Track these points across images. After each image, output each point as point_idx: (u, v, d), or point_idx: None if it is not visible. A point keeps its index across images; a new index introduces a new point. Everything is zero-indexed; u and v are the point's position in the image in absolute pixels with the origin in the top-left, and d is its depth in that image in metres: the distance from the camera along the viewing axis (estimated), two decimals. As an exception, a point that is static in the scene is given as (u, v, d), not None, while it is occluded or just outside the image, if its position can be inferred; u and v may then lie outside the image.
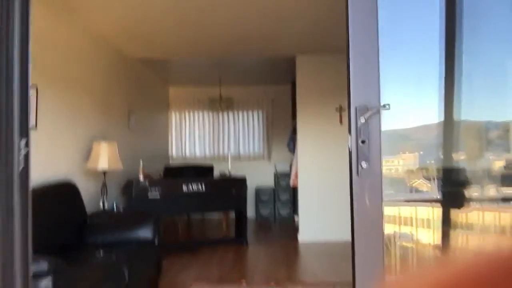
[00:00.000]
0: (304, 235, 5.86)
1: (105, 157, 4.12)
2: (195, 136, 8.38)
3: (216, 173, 6.64)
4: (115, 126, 5.41)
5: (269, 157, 8.34)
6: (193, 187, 5.17)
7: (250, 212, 8.03)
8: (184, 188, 5.12)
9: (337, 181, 5.84)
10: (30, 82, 1.92)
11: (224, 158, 8.16)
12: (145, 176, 5.03)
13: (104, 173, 4.28)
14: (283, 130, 8.29)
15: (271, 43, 5.36)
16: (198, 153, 8.38)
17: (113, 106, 5.33)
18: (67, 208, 3.49)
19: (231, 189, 5.43)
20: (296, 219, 7.71)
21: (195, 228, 6.73)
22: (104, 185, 4.29)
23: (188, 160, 8.32)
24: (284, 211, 8.02)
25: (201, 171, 5.43)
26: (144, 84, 6.91)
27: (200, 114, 8.38)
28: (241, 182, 5.55)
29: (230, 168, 8.09)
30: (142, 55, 5.94)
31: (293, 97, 8.03)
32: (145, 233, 3.53)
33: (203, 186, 5.22)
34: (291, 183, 6.37)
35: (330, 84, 5.94)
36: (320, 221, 5.86)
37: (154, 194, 4.95)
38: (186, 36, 5.07)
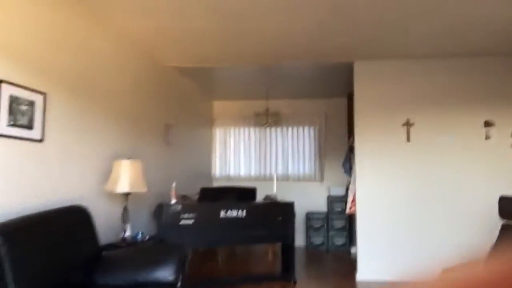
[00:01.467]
0: (364, 273, 4.93)
1: (126, 177, 3.49)
2: (240, 154, 7.69)
3: (261, 195, 5.88)
4: (148, 142, 4.83)
5: (322, 178, 7.48)
6: (232, 212, 4.44)
7: (300, 240, 7.18)
8: (222, 213, 4.40)
9: (404, 210, 4.89)
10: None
11: (271, 179, 7.41)
12: (178, 199, 4.37)
13: (127, 195, 3.65)
14: (337, 148, 7.41)
15: (325, 46, 4.60)
16: (243, 172, 7.67)
17: (145, 119, 4.75)
18: (74, 240, 2.85)
19: (276, 215, 4.64)
20: (353, 251, 6.76)
21: (235, 260, 5.96)
22: (126, 210, 3.65)
23: (232, 180, 7.63)
24: (338, 240, 7.08)
25: (243, 194, 4.70)
26: (185, 96, 6.34)
27: (246, 130, 7.70)
28: (288, 208, 4.75)
29: (277, 190, 7.30)
30: (179, 63, 5.36)
31: (349, 111, 7.17)
32: (165, 274, 2.82)
33: (244, 212, 4.48)
34: (347, 210, 5.48)
35: (395, 94, 5.05)
36: (383, 256, 4.91)
37: (186, 220, 4.26)
38: (229, 40, 4.42)
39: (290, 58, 5.08)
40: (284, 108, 7.28)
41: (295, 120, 7.56)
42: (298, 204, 7.38)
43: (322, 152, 7.49)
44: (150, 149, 4.88)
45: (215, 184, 7.67)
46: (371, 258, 4.93)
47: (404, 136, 4.97)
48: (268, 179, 7.43)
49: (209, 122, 7.66)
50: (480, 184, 4.81)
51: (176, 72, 5.81)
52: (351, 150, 6.98)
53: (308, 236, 7.15)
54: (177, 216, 4.26)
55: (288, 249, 4.78)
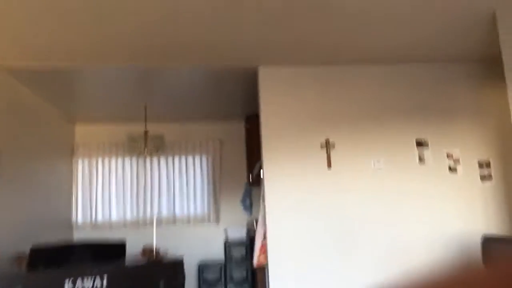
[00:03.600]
0: None
1: None
2: (110, 192, 5.96)
3: (139, 247, 4.29)
4: None
5: (217, 219, 6.08)
6: (86, 283, 2.82)
7: (191, 301, 5.65)
8: (68, 285, 2.75)
9: (328, 255, 3.73)
10: None
11: (158, 222, 5.83)
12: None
13: None
14: (235, 181, 6.14)
15: (222, 43, 3.35)
16: (115, 217, 5.93)
17: None
18: None
19: (157, 280, 3.12)
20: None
21: None
22: None
23: (100, 228, 5.84)
24: (238, 296, 5.69)
25: (104, 252, 3.11)
26: (28, 115, 4.55)
27: (119, 161, 6.03)
28: (174, 268, 3.27)
29: (161, 238, 5.72)
30: (10, 60, 3.67)
31: (248, 137, 5.99)
32: None
33: (104, 281, 2.89)
34: (255, 261, 4.15)
35: (311, 108, 3.97)
36: (304, 324, 3.64)
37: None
38: (88, 25, 2.94)
39: (174, 58, 3.73)
40: (169, 132, 5.82)
41: (183, 147, 6.12)
42: (189, 253, 5.87)
43: (216, 186, 6.13)
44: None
45: (77, 235, 5.80)
46: (289, 327, 3.62)
47: (324, 161, 3.87)
48: (149, 223, 5.82)
49: (68, 151, 5.85)
50: (416, 216, 3.86)
51: (9, 78, 4.06)
52: (251, 182, 5.76)
53: (201, 294, 5.64)
54: (-16, 298, 2.52)
55: (175, 329, 3.25)
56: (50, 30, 3.13)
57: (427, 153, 3.99)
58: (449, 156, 4.00)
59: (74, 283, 2.77)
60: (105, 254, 3.16)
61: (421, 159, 3.97)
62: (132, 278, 3.04)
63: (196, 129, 6.20)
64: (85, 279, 2.80)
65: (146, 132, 4.99)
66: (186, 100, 5.21)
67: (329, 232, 3.76)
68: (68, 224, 5.70)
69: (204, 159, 6.16)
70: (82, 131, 6.03)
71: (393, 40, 3.60)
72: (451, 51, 3.92)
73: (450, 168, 3.98)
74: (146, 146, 4.94)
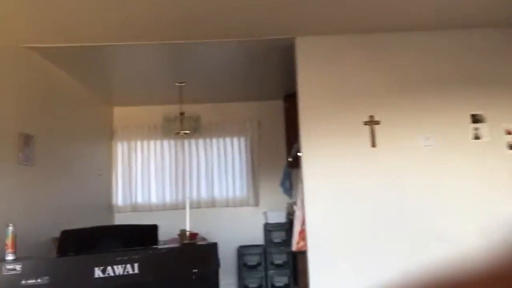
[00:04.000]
0: None
1: None
2: (150, 175, 5.92)
3: (174, 232, 4.19)
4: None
5: (257, 202, 5.92)
6: (116, 269, 2.73)
7: (230, 282, 5.56)
8: (98, 272, 2.68)
9: (371, 238, 3.46)
10: None
11: (196, 205, 5.75)
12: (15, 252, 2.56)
13: None
14: (274, 163, 5.94)
15: (255, 16, 3.11)
16: (154, 199, 5.90)
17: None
18: None
19: (190, 267, 2.99)
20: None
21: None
22: None
23: (140, 210, 5.84)
24: (279, 281, 5.54)
25: (135, 236, 3.02)
26: (63, 98, 4.54)
27: (157, 144, 5.97)
28: (208, 252, 3.13)
29: (201, 220, 5.63)
30: (45, 42, 3.61)
31: (287, 117, 5.74)
32: None
33: (136, 267, 2.79)
34: (294, 246, 3.95)
35: (354, 83, 3.67)
36: (347, 313, 3.42)
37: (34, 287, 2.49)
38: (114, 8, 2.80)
39: (207, 32, 3.53)
40: (205, 114, 5.67)
41: (220, 129, 5.96)
42: (228, 236, 5.75)
43: (255, 169, 5.95)
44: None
45: (118, 218, 5.83)
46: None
47: (368, 140, 3.57)
48: (191, 206, 5.73)
49: (107, 134, 5.85)
50: (470, 199, 3.51)
51: (44, 61, 4.02)
52: (291, 164, 5.53)
53: (241, 278, 5.53)
54: (16, 282, 2.46)
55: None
56: (81, 9, 3.01)
57: (484, 129, 3.60)
58: (508, 132, 3.59)
59: (104, 271, 2.68)
60: (137, 238, 3.06)
61: (476, 136, 3.59)
62: (164, 263, 2.92)
63: (233, 110, 6.02)
64: (115, 267, 2.71)
65: (182, 113, 4.86)
66: (222, 80, 5.03)
67: (372, 215, 3.49)
68: (109, 207, 5.73)
69: (242, 140, 5.98)
70: (120, 114, 6.01)
71: (444, 2, 3.21)
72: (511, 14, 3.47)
73: (510, 146, 3.57)
74: (182, 127, 4.81)
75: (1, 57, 3.39)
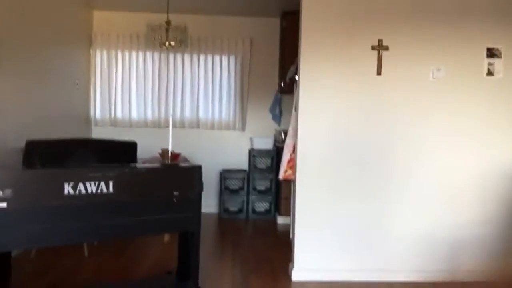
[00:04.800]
0: (303, 270, 3.30)
1: None
2: (131, 88, 5.54)
3: (159, 149, 3.95)
4: None
5: (243, 126, 5.66)
6: (89, 186, 2.47)
7: (211, 205, 5.47)
8: (68, 189, 2.41)
9: (367, 176, 3.28)
10: None
11: (179, 125, 5.47)
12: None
13: None
14: (265, 87, 5.62)
15: None
16: (135, 115, 5.57)
17: None
18: None
19: (170, 188, 2.75)
20: (279, 221, 5.18)
21: (108, 253, 3.99)
22: None
23: (119, 126, 5.53)
24: (260, 206, 5.46)
25: (111, 152, 2.74)
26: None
27: (140, 55, 5.52)
28: (191, 175, 2.89)
29: (184, 141, 5.39)
30: None
31: (283, 37, 5.32)
32: None
33: (111, 185, 2.53)
34: (281, 175, 3.76)
35: (362, 2, 3.26)
36: (334, 246, 3.31)
37: (-6, 203, 2.22)
38: None
39: None
40: (194, 25, 5.17)
41: (210, 44, 5.51)
42: (211, 160, 5.56)
43: (244, 91, 5.61)
44: None
45: (96, 132, 5.52)
46: (313, 248, 3.30)
47: (373, 67, 3.24)
48: (174, 125, 5.45)
49: (85, 40, 5.34)
50: (473, 139, 3.30)
51: None
52: (283, 89, 5.21)
53: (222, 201, 5.42)
54: (-30, 195, 2.19)
55: (188, 241, 2.95)
56: None
57: (499, 64, 3.30)
58: (523, 71, 3.30)
59: (74, 188, 2.42)
60: (114, 155, 2.79)
61: (490, 71, 3.29)
62: (142, 183, 2.68)
63: (225, 24, 5.54)
64: (88, 184, 2.45)
65: (167, 22, 4.38)
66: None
67: (370, 151, 3.26)
68: (86, 119, 5.39)
69: (232, 59, 5.56)
70: (100, 19, 5.47)
71: None
72: None
73: (524, 86, 3.30)
74: (168, 37, 4.36)
75: None
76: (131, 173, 2.68)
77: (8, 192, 2.28)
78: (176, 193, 2.78)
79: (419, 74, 3.25)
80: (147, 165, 2.89)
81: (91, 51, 5.42)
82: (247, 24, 5.54)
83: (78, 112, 5.15)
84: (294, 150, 3.53)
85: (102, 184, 2.52)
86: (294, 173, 3.50)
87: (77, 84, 5.06)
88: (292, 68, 4.31)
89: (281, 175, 3.77)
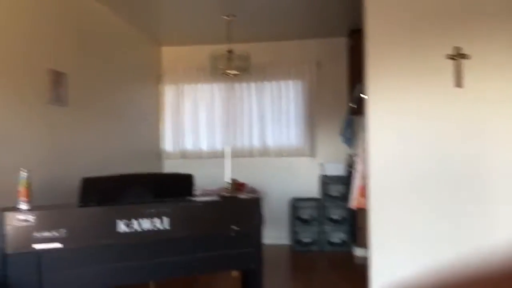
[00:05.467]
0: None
1: None
2: (198, 120, 5.55)
3: (223, 183, 3.82)
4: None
5: (313, 152, 5.40)
6: (143, 223, 2.38)
7: (283, 236, 5.22)
8: (121, 226, 2.34)
9: (447, 199, 2.85)
10: None
11: (249, 154, 5.36)
12: (29, 201, 2.26)
13: None
14: (334, 109, 5.34)
15: None
16: (204, 146, 5.56)
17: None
18: None
19: (229, 222, 2.58)
20: (358, 254, 4.77)
21: None
22: None
23: (189, 157, 5.54)
24: (335, 237, 5.10)
25: (167, 186, 2.64)
26: (105, 33, 4.18)
27: (206, 86, 5.54)
28: (250, 208, 2.70)
29: (253, 169, 5.25)
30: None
31: (351, 56, 5.05)
32: None
33: (167, 221, 2.43)
34: (352, 203, 3.43)
35: (436, 5, 2.92)
36: (410, 268, 2.89)
37: (48, 242, 2.20)
38: None
39: None
40: (256, 53, 5.10)
41: (274, 71, 5.39)
42: (281, 187, 5.34)
43: (313, 115, 5.38)
44: (5, 109, 2.78)
45: (167, 165, 5.58)
46: (392, 271, 2.91)
47: (450, 78, 2.86)
48: (240, 154, 5.35)
49: (154, 76, 5.49)
50: None
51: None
52: (354, 110, 4.89)
53: (293, 231, 5.15)
54: (27, 234, 2.18)
55: (251, 278, 2.73)
56: None
57: None
58: None
59: (128, 224, 2.34)
60: (170, 189, 2.69)
61: None
62: (199, 217, 2.53)
63: (288, 48, 5.40)
64: (142, 220, 2.36)
65: (229, 51, 4.34)
66: (276, 13, 4.40)
67: (451, 173, 2.84)
68: (157, 153, 5.47)
69: (298, 83, 5.38)
70: (168, 54, 5.61)
71: None
72: None
73: None
74: (230, 66, 4.31)
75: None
76: (187, 208, 2.56)
77: (63, 232, 2.25)
78: (234, 227, 2.60)
79: (509, 85, 2.81)
80: (203, 198, 2.75)
81: (160, 86, 5.55)
82: (312, 46, 5.36)
83: (149, 146, 5.25)
84: (365, 176, 3.20)
85: (157, 220, 2.42)
86: (367, 201, 3.17)
87: (147, 119, 5.17)
88: (359, 87, 4.02)
89: (352, 204, 3.45)
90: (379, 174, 2.94)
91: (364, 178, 3.27)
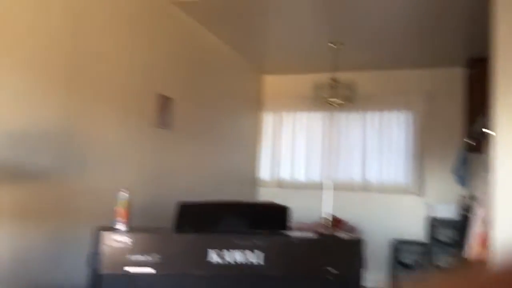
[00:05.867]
0: None
1: None
2: (297, 149, 5.41)
3: (318, 216, 3.62)
4: (109, 118, 2.86)
5: (420, 190, 4.92)
6: (235, 255, 2.25)
7: (379, 279, 4.77)
8: (213, 256, 2.23)
9: None
10: None
11: (350, 187, 5.08)
12: (127, 223, 2.26)
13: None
14: (446, 145, 4.84)
15: None
16: (301, 176, 5.37)
17: (105, 81, 2.79)
18: None
19: (323, 264, 2.35)
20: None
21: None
22: None
23: (285, 187, 5.39)
24: (444, 288, 4.49)
25: (261, 217, 2.49)
26: (211, 60, 4.28)
27: (306, 115, 5.40)
28: (350, 248, 2.44)
29: (352, 204, 4.94)
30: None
31: (470, 88, 4.59)
32: None
33: (261, 256, 2.27)
34: (469, 253, 2.98)
35: None
36: None
37: (141, 267, 2.16)
38: None
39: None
40: (362, 82, 4.84)
41: (380, 101, 5.08)
42: (381, 226, 4.93)
43: (422, 150, 4.93)
44: (113, 131, 2.89)
45: (261, 193, 5.48)
46: None
47: None
48: (340, 187, 5.08)
49: (254, 104, 5.49)
50: None
51: (193, 22, 3.76)
52: (470, 147, 4.38)
53: (393, 276, 4.68)
54: (121, 256, 2.17)
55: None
56: None
57: None
58: None
59: (219, 256, 2.22)
60: (265, 219, 2.54)
61: None
62: (294, 255, 2.34)
63: (397, 78, 5.06)
64: (234, 252, 2.23)
65: (334, 80, 4.16)
66: (387, 41, 4.16)
67: None
68: (252, 181, 5.41)
69: (405, 114, 5.00)
70: (270, 82, 5.60)
71: None
72: None
73: None
74: (334, 95, 4.12)
75: (144, 11, 3.19)
76: (283, 243, 2.38)
77: (157, 257, 2.20)
78: (332, 270, 2.35)
79: None
80: (299, 233, 2.56)
81: (259, 113, 5.53)
82: (423, 76, 4.96)
83: (244, 173, 5.21)
84: (487, 223, 2.76)
85: (250, 253, 2.27)
86: (488, 253, 2.72)
87: (245, 145, 5.17)
88: (481, 120, 3.56)
89: (468, 253, 2.99)
90: (507, 222, 2.50)
91: (486, 225, 2.82)
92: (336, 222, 3.31)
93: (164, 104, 3.47)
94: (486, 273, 0.50)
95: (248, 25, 4.03)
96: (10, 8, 2.26)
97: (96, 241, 2.15)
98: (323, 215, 3.55)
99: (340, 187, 5.04)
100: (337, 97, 4.11)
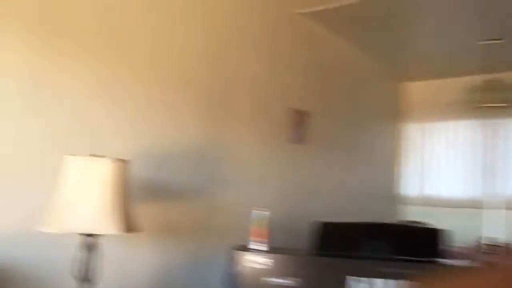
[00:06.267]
0: None
1: (88, 199, 1.57)
2: (445, 163, 4.84)
3: (470, 239, 3.15)
4: (244, 136, 2.88)
5: None
6: (378, 286, 2.02)
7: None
8: (351, 285, 2.03)
9: None
10: None
11: (500, 206, 4.43)
12: (267, 242, 2.18)
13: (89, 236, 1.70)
14: None
15: None
16: (451, 193, 4.78)
17: (240, 98, 2.84)
18: None
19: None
20: None
21: None
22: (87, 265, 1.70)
23: (432, 205, 4.85)
24: None
25: (408, 241, 2.19)
26: (345, 69, 4.11)
27: (455, 125, 4.81)
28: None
29: (499, 228, 4.22)
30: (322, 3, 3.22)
31: None
32: None
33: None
34: None
35: None
36: None
37: (280, 289, 2.06)
38: None
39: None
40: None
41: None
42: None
43: None
44: (248, 148, 2.90)
45: (403, 211, 5.00)
46: None
47: None
48: (499, 205, 4.40)
49: (392, 114, 5.08)
50: None
51: (323, 31, 3.66)
52: None
53: None
54: (257, 278, 2.10)
55: None
56: None
57: None
58: None
59: (358, 285, 2.00)
60: (414, 243, 2.23)
61: None
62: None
63: None
64: (376, 281, 1.99)
65: (493, 81, 3.60)
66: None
67: None
68: (391, 198, 4.98)
69: None
70: (409, 90, 5.15)
71: None
72: None
73: None
74: (490, 98, 3.56)
75: (274, 25, 3.18)
76: (434, 274, 2.05)
77: (298, 281, 2.07)
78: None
79: None
80: (455, 262, 2.20)
81: (398, 124, 5.11)
82: None
83: (383, 189, 4.83)
84: None
85: (394, 284, 2.00)
86: None
87: (384, 159, 4.82)
88: None
89: None
90: None
91: None
92: (499, 249, 2.80)
93: (299, 118, 3.39)
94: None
95: (387, 29, 3.75)
96: (157, 28, 2.40)
97: (233, 261, 2.12)
98: (482, 239, 3.04)
99: (500, 205, 4.35)
100: (497, 100, 3.53)
